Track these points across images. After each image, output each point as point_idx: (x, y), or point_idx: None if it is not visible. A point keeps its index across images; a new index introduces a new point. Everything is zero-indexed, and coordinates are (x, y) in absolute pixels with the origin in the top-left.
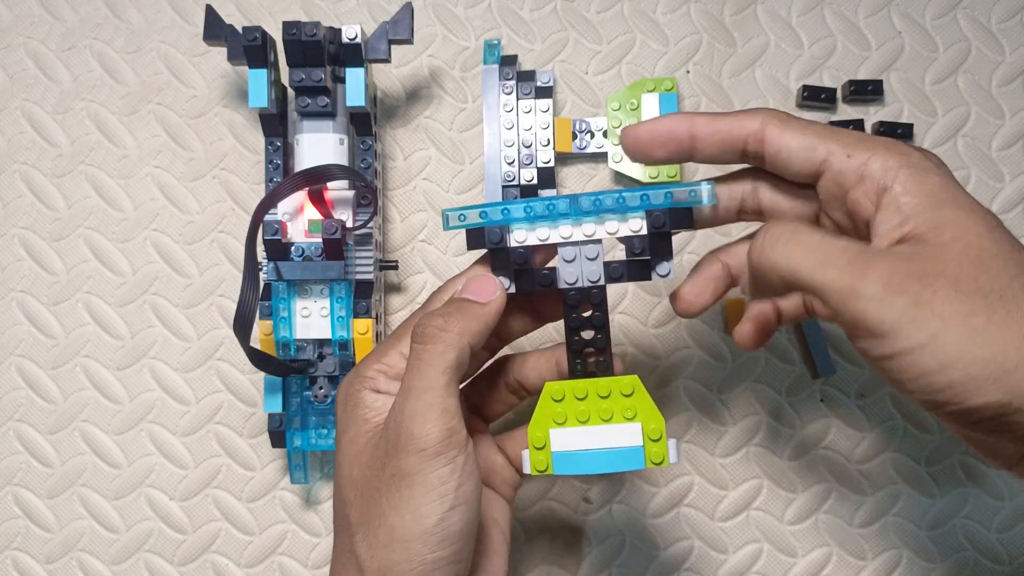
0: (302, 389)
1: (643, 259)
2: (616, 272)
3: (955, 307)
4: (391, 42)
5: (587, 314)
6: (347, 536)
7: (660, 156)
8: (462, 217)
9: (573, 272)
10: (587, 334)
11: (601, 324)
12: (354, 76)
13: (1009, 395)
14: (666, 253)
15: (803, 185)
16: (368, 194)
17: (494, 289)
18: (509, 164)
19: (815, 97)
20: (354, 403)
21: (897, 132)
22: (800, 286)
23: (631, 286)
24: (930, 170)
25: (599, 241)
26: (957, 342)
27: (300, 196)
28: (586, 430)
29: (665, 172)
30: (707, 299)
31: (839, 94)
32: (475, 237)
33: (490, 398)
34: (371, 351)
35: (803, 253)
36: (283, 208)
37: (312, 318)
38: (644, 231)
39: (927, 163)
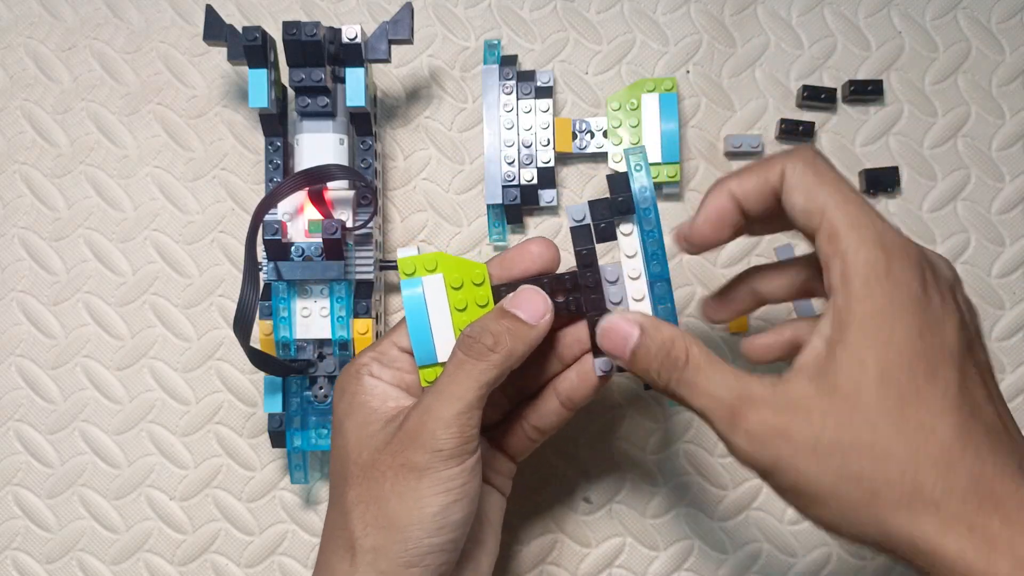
0: (302, 389)
1: None
2: None
3: (813, 466)
4: (391, 42)
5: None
6: (341, 513)
7: (727, 237)
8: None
9: (618, 292)
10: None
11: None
12: (354, 76)
13: (864, 537)
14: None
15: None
16: (368, 194)
17: (544, 310)
18: (509, 164)
19: (815, 97)
20: (354, 390)
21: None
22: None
23: None
24: (882, 293)
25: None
26: (820, 490)
27: (300, 196)
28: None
29: (665, 173)
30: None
31: (839, 94)
32: None
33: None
34: (365, 347)
35: (697, 392)
36: (283, 208)
37: (312, 318)
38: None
39: (882, 284)
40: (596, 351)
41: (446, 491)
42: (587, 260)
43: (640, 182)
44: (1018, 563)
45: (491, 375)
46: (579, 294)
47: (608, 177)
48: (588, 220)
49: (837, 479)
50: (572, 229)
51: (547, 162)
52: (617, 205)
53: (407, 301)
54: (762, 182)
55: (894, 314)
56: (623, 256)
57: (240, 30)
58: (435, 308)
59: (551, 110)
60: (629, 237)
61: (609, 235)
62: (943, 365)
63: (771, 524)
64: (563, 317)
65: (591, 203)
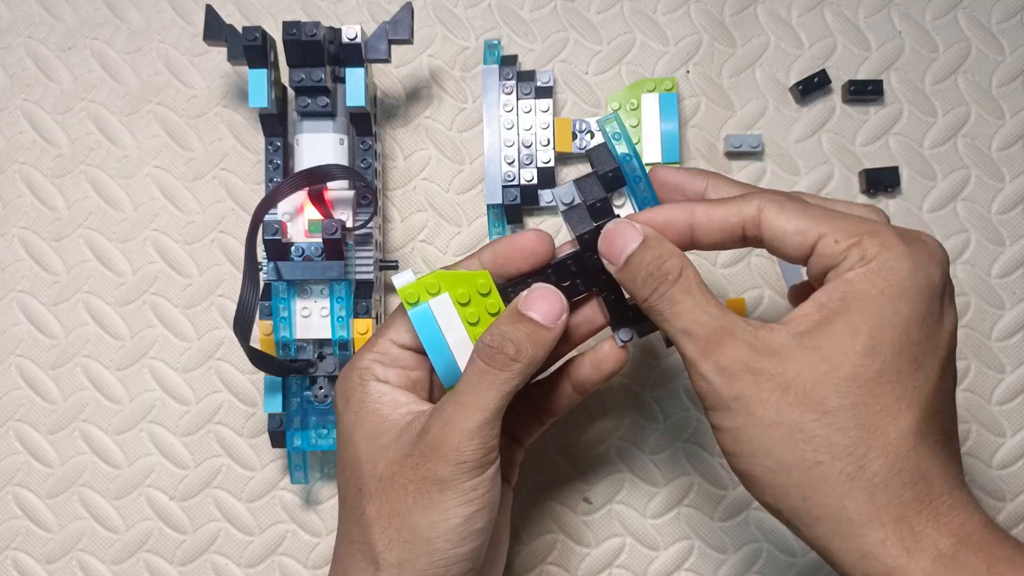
0: (302, 389)
1: None
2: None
3: (771, 414)
4: (391, 42)
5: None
6: (359, 527)
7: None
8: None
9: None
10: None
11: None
12: (354, 76)
13: (781, 504)
14: (626, 321)
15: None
16: (368, 194)
17: (561, 310)
18: (509, 164)
19: (811, 88)
20: (360, 397)
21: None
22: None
23: None
24: (898, 271)
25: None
26: (763, 443)
27: (300, 196)
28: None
29: None
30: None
31: (839, 95)
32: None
33: None
34: (362, 346)
35: (680, 311)
36: (283, 208)
37: (312, 318)
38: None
39: (903, 262)
40: (615, 324)
41: (469, 501)
42: (589, 243)
43: (622, 150)
44: (939, 560)
45: (513, 384)
46: (586, 277)
47: (588, 152)
48: (578, 199)
49: (789, 432)
50: (563, 213)
51: (547, 162)
52: (607, 180)
53: (419, 329)
54: (735, 212)
55: (905, 297)
56: None
57: (240, 30)
58: (449, 329)
59: (551, 110)
60: (623, 209)
61: (606, 213)
62: (929, 360)
63: (771, 524)
64: (573, 298)
65: (576, 182)
